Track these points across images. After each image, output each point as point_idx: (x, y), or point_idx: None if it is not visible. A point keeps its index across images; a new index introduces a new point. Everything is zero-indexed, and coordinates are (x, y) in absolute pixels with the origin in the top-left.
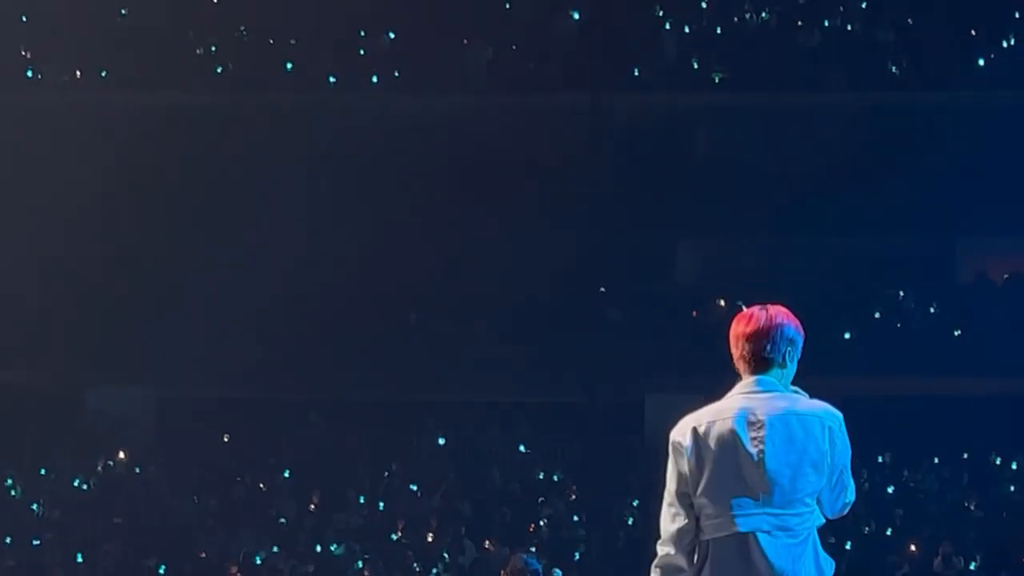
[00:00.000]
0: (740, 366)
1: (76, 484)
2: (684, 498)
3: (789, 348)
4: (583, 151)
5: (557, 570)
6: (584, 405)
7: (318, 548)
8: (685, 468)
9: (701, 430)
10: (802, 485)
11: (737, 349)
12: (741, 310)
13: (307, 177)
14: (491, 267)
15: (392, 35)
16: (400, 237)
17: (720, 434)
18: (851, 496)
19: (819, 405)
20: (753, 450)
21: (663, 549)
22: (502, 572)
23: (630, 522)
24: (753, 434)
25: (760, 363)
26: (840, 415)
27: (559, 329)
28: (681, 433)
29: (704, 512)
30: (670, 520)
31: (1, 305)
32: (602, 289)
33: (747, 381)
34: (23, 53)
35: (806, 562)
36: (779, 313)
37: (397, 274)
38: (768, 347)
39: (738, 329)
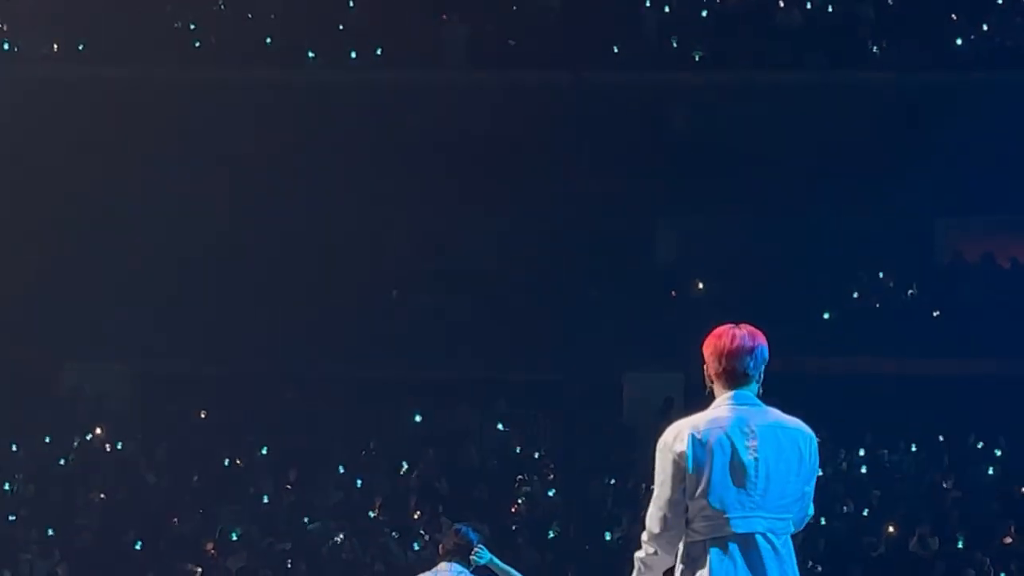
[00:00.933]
0: (719, 381)
1: (52, 460)
2: (678, 504)
3: (763, 366)
4: (562, 129)
5: (481, 546)
6: (562, 383)
7: (295, 525)
8: (682, 472)
9: (699, 436)
10: (790, 491)
11: (719, 364)
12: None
13: (284, 151)
14: (471, 244)
15: (371, 10)
16: (380, 213)
17: (719, 440)
18: (811, 511)
19: (797, 421)
20: (749, 458)
21: (649, 547)
22: (441, 545)
23: (607, 500)
24: (748, 443)
25: (741, 378)
26: (814, 435)
27: (537, 307)
28: (679, 439)
29: (702, 514)
30: (659, 523)
31: None
32: (580, 268)
33: (729, 395)
34: None
35: (791, 562)
36: (756, 333)
37: (377, 250)
38: (751, 364)
39: (720, 345)
